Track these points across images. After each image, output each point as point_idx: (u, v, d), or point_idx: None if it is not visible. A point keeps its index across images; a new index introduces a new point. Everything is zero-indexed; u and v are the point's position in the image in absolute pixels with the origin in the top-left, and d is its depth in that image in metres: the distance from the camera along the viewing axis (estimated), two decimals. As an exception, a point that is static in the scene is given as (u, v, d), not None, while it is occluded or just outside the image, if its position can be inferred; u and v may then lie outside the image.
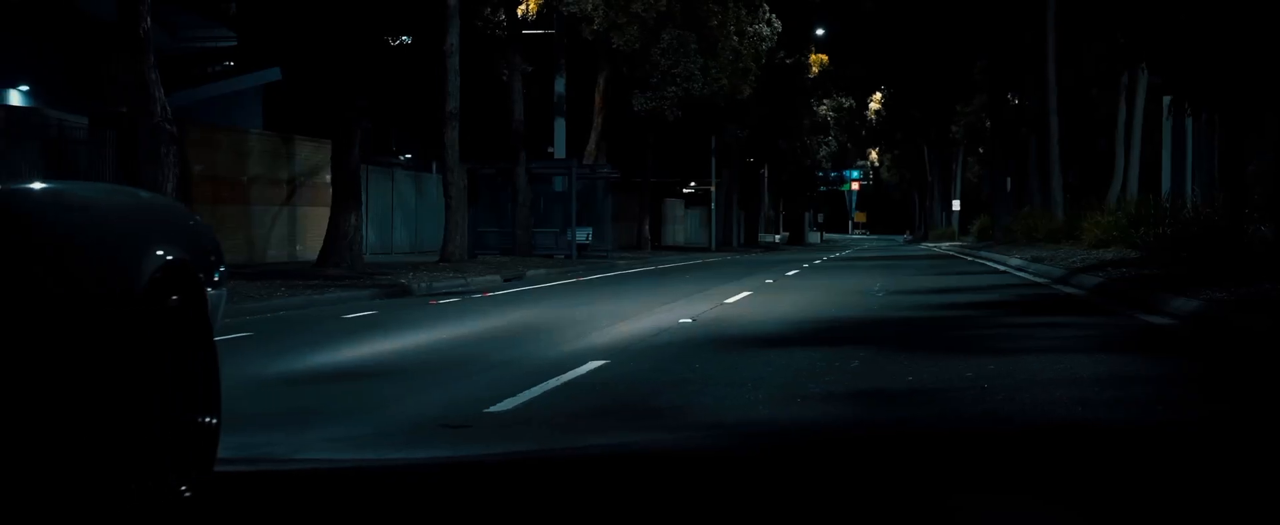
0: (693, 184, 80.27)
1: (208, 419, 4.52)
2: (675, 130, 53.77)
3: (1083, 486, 5.32)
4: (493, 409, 7.71)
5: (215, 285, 4.84)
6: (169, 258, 4.25)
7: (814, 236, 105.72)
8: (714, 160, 70.26)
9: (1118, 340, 11.49)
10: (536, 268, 30.28)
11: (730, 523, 4.45)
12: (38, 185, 3.97)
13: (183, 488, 4.24)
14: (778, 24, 50.47)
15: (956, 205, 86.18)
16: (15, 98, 28.98)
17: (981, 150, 78.51)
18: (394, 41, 46.68)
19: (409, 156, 50.21)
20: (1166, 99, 26.10)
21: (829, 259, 40.07)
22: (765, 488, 5.28)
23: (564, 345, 11.26)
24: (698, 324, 14.00)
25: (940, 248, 55.59)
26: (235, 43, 40.54)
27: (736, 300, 18.20)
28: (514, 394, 8.21)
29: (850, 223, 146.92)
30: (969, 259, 36.53)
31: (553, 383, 8.81)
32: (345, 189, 28.70)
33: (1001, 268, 28.12)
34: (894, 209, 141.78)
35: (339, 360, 10.73)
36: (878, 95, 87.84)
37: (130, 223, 4.31)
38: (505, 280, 25.46)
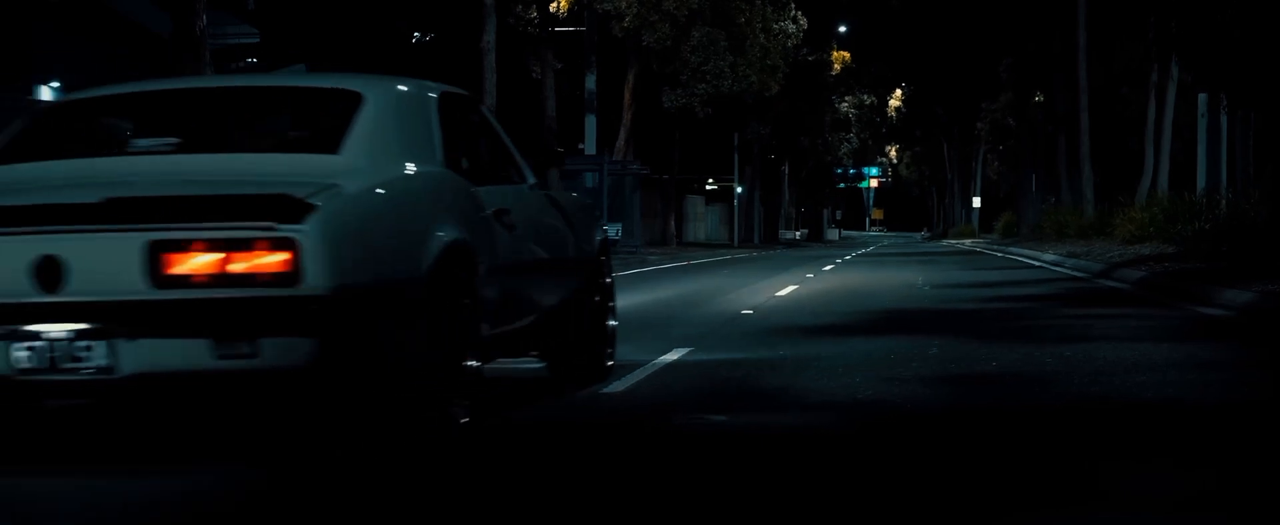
0: (712, 181, 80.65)
1: (611, 350, 8.82)
2: (700, 127, 54.14)
3: (1204, 455, 5.72)
4: (606, 390, 8.11)
5: (608, 262, 9.04)
6: (606, 233, 9.36)
7: (832, 233, 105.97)
8: (737, 157, 70.67)
9: (1180, 330, 11.85)
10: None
11: (918, 482, 4.83)
12: (560, 192, 8.68)
13: (609, 351, 8.75)
14: (803, 21, 50.84)
15: (977, 202, 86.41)
16: (46, 94, 29.29)
17: (1002, 148, 78.84)
18: (421, 38, 47.08)
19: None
20: (1202, 96, 26.46)
21: (858, 255, 40.41)
22: (916, 460, 5.68)
23: (638, 334, 11.58)
24: (759, 314, 14.38)
25: (964, 244, 55.88)
26: (257, 39, 40.93)
27: (787, 293, 18.57)
28: (619, 378, 8.58)
29: (867, 220, 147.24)
30: (999, 255, 36.83)
31: (651, 367, 9.20)
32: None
33: (1036, 263, 28.44)
34: (912, 206, 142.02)
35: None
36: (898, 92, 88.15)
37: (594, 216, 9.46)
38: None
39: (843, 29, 73.57)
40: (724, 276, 24.48)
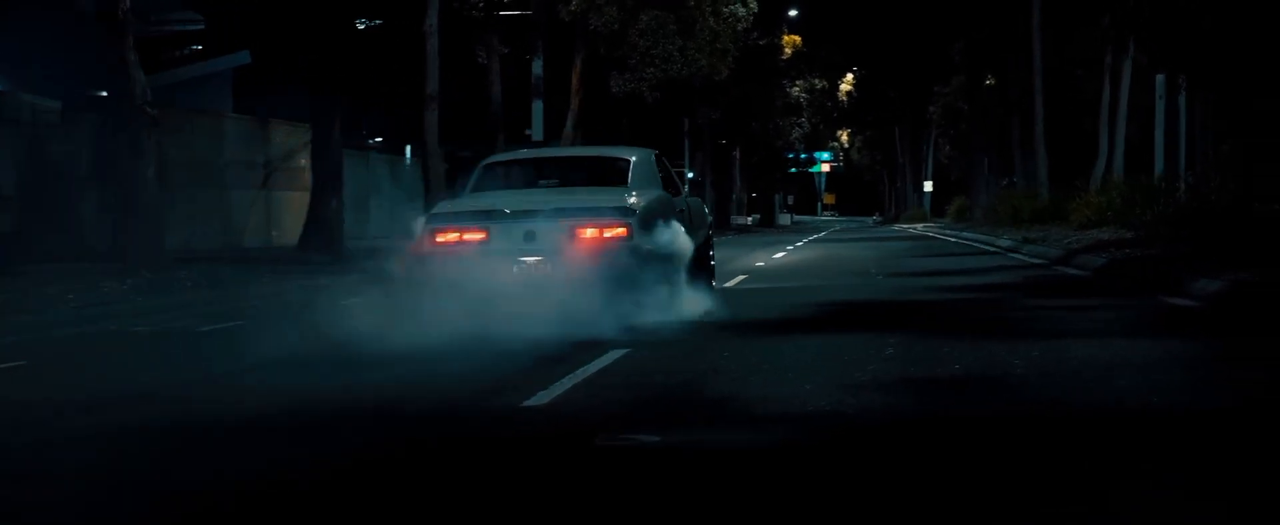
0: (664, 167, 79.78)
1: (712, 278, 15.19)
2: (650, 112, 53.32)
3: (1210, 475, 4.96)
4: (529, 402, 7.31)
5: (712, 234, 16.04)
6: (710, 230, 15.90)
7: (784, 218, 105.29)
8: (687, 142, 69.90)
9: (1152, 324, 11.14)
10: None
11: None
12: (688, 196, 14.74)
13: (714, 285, 14.95)
14: (753, 4, 50.00)
15: (929, 186, 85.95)
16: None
17: (954, 132, 78.38)
18: (365, 24, 46.11)
19: (381, 140, 49.68)
20: (1160, 77, 25.82)
21: (809, 241, 39.76)
22: (872, 485, 4.91)
23: (575, 333, 10.74)
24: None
25: (915, 229, 55.31)
26: (203, 26, 39.98)
27: (735, 283, 17.83)
28: (546, 387, 7.80)
29: (819, 205, 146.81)
30: (952, 240, 36.21)
31: (582, 372, 8.42)
32: (326, 173, 28.23)
33: (992, 249, 27.79)
34: (863, 191, 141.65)
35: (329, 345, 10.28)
36: (850, 76, 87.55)
37: (706, 210, 16.00)
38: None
39: (793, 13, 72.91)
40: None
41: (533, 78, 43.32)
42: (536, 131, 44.00)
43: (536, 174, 13.75)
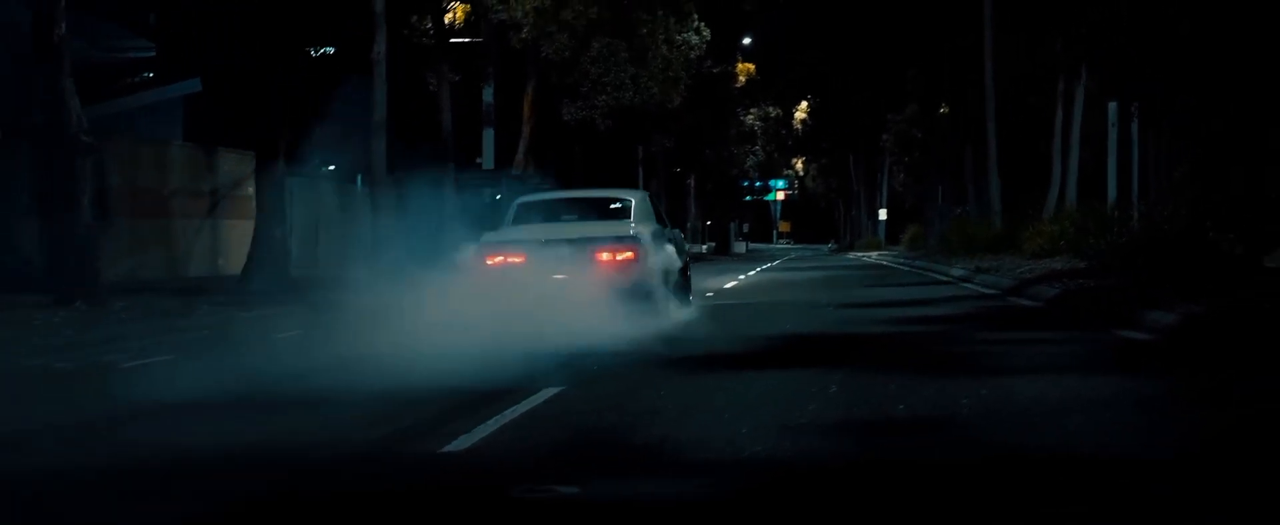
0: (618, 195, 79.46)
1: (690, 293, 18.80)
2: (603, 140, 52.99)
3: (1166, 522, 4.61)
4: (448, 448, 6.91)
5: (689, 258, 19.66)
6: (687, 256, 19.08)
7: (739, 247, 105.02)
8: (641, 170, 69.62)
9: (1105, 359, 10.83)
10: (467, 281, 29.24)
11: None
12: (670, 228, 18.37)
13: (691, 298, 18.67)
14: (706, 32, 49.73)
15: (883, 214, 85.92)
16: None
17: (908, 160, 78.38)
18: (316, 51, 45.63)
19: (333, 167, 49.10)
20: (1112, 105, 25.62)
21: (763, 270, 39.47)
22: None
23: (504, 368, 10.32)
24: (644, 344, 13.22)
25: (870, 258, 55.11)
26: (154, 54, 39.50)
27: (683, 316, 17.45)
28: (469, 431, 7.38)
29: (774, 232, 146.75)
30: (905, 269, 35.98)
31: (510, 412, 8.01)
32: (271, 201, 27.72)
33: (944, 278, 27.52)
34: (818, 218, 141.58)
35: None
36: (804, 105, 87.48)
37: (683, 240, 20.27)
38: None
39: (748, 41, 72.84)
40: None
41: (484, 105, 42.95)
42: (487, 160, 43.65)
43: (559, 211, 17.20)
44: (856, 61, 59.24)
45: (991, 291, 21.77)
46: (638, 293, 14.73)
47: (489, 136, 43.09)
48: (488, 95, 42.72)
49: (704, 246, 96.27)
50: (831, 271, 36.30)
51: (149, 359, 12.95)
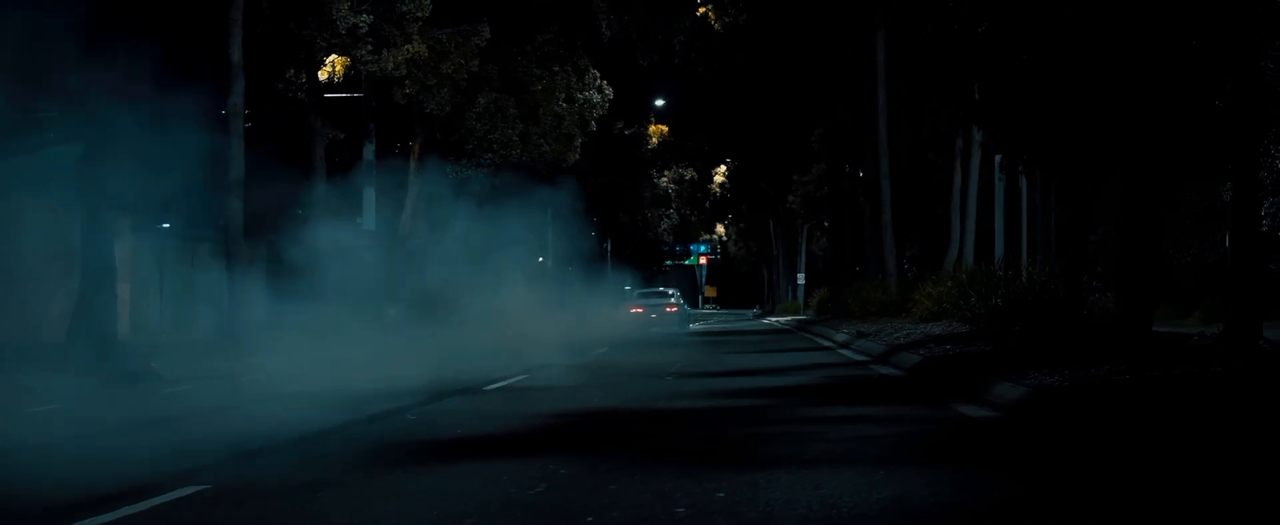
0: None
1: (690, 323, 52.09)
2: (504, 201, 51.07)
3: None
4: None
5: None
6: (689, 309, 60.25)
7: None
8: (550, 231, 67.75)
9: (923, 444, 8.95)
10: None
11: None
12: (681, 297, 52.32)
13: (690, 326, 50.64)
14: (609, 91, 48.07)
15: (802, 278, 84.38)
16: None
17: (824, 221, 76.97)
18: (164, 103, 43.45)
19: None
20: (997, 157, 23.97)
21: (649, 336, 37.57)
22: None
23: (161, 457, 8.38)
24: (417, 417, 11.29)
25: (781, 322, 53.46)
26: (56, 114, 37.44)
27: (497, 387, 15.49)
28: None
29: (700, 298, 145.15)
30: (802, 334, 34.23)
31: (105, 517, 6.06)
32: (96, 261, 25.55)
33: (826, 344, 25.74)
34: (743, 283, 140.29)
35: None
36: (723, 167, 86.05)
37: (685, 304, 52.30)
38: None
39: (661, 102, 71.37)
40: (488, 358, 21.34)
41: (363, 163, 40.91)
42: (368, 220, 41.54)
43: (651, 289, 46.41)
44: (765, 122, 57.70)
45: (861, 358, 19.95)
46: (680, 318, 43.72)
47: (369, 195, 40.99)
48: (368, 152, 40.64)
49: (604, 312, 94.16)
50: (721, 337, 34.50)
51: None
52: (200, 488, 7.20)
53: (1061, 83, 17.50)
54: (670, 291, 50.38)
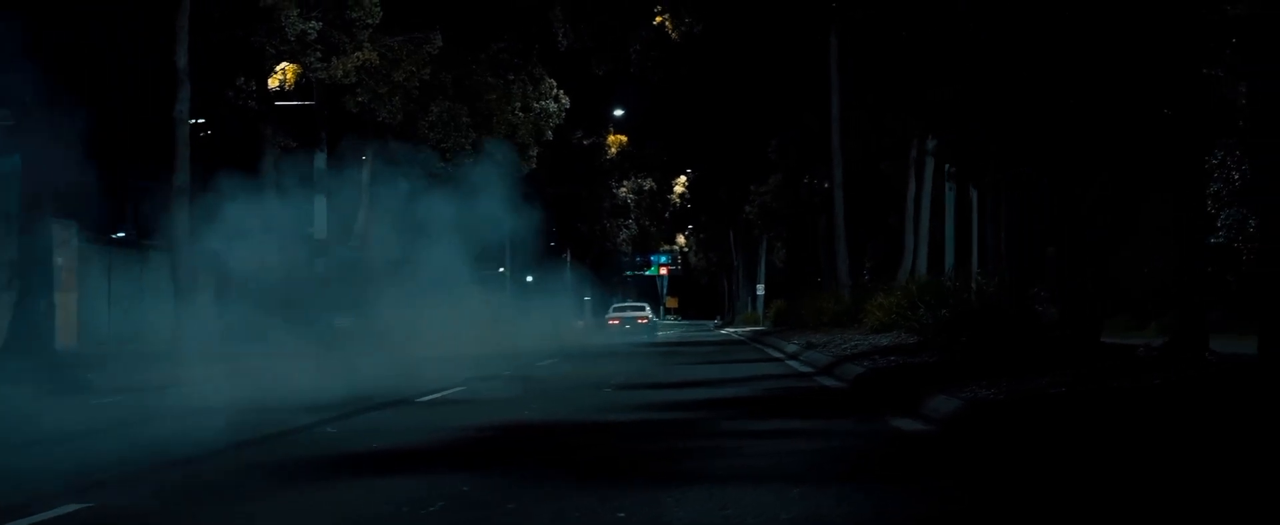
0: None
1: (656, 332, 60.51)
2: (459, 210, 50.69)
3: None
4: None
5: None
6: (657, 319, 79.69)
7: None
8: (508, 242, 67.36)
9: (848, 459, 8.65)
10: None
11: None
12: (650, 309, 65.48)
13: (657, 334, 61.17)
14: (565, 100, 47.75)
15: (761, 289, 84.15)
16: None
17: (783, 232, 76.83)
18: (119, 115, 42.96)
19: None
20: (948, 166, 23.75)
21: (605, 345, 37.25)
22: None
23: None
24: (339, 433, 10.94)
25: (737, 333, 53.25)
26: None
27: (432, 397, 15.16)
28: None
29: (661, 309, 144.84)
30: (755, 345, 33.96)
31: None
32: (33, 269, 25.14)
33: (777, 355, 25.47)
34: (704, 294, 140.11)
35: None
36: (682, 178, 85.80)
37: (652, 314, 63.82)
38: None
39: (620, 113, 71.13)
40: (431, 369, 20.99)
41: (314, 172, 40.49)
42: (320, 228, 41.09)
43: (625, 303, 57.46)
44: (723, 132, 57.49)
45: (806, 369, 19.68)
46: (650, 329, 54.43)
47: (320, 204, 40.51)
48: (319, 161, 40.21)
49: (581, 323, 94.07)
50: (675, 347, 34.20)
51: None
52: (83, 505, 6.86)
53: (1008, 91, 17.30)
54: (643, 305, 62.75)
